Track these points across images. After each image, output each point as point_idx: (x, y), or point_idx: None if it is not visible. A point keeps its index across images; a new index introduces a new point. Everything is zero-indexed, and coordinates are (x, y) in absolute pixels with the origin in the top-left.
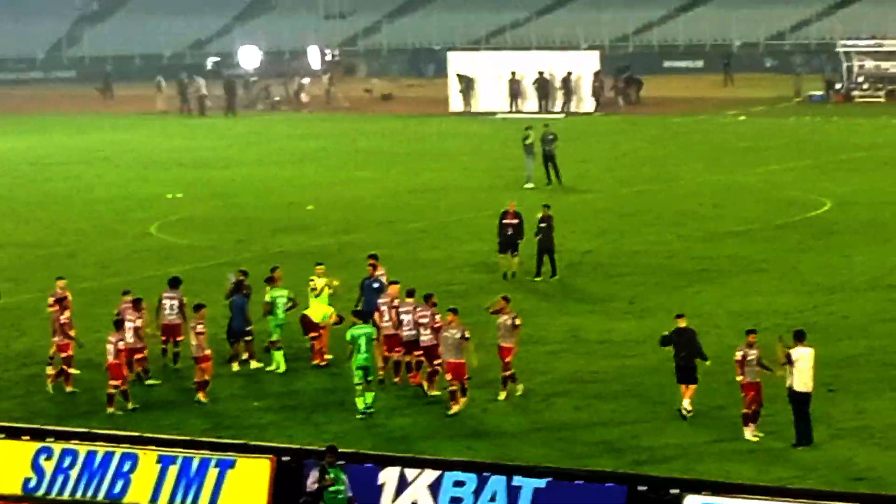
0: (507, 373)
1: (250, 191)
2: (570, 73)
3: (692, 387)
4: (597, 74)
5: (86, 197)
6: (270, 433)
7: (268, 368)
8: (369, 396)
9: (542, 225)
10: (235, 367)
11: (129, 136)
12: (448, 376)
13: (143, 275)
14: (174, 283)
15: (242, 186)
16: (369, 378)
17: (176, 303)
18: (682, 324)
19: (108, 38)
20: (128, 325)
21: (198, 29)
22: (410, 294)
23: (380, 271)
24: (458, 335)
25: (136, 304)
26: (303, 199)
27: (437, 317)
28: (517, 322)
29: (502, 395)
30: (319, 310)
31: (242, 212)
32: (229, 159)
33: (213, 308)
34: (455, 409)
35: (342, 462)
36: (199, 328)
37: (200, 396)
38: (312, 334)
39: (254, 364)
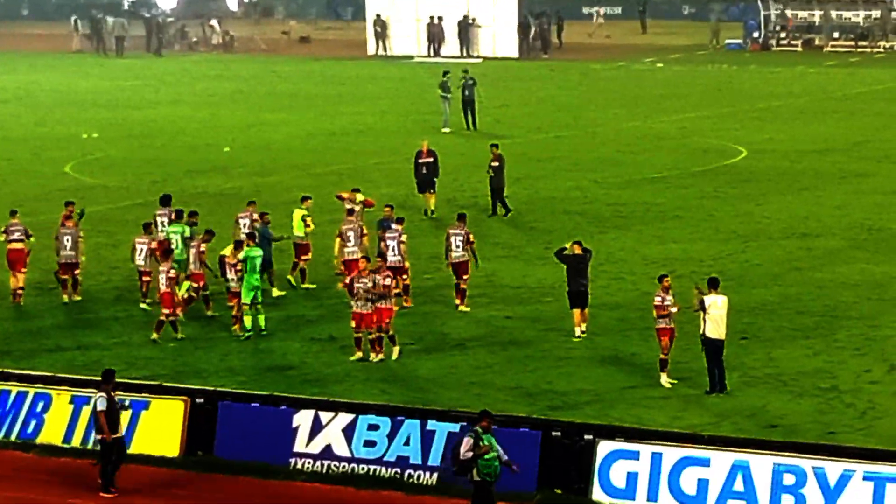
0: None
1: (166, 132)
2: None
3: (586, 310)
4: (521, 17)
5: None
6: (185, 374)
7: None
8: (261, 318)
9: (495, 164)
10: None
11: (45, 75)
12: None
13: (58, 214)
14: (165, 200)
15: (158, 127)
16: (258, 301)
17: (165, 219)
18: (579, 250)
19: None
20: (138, 248)
21: None
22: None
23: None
24: (383, 280)
25: (146, 229)
26: (219, 141)
27: (471, 235)
28: (389, 281)
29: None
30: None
31: (158, 153)
32: (145, 100)
33: (125, 248)
34: (395, 351)
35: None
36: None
37: (237, 329)
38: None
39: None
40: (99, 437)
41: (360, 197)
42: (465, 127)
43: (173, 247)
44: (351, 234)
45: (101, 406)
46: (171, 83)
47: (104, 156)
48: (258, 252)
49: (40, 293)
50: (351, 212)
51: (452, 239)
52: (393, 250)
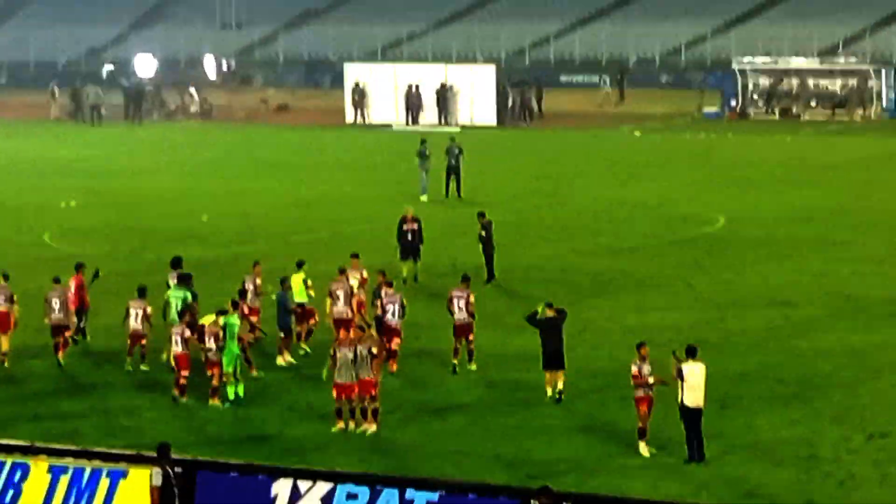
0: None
1: (145, 200)
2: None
3: (562, 372)
4: (500, 87)
5: None
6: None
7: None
8: (240, 388)
9: (483, 234)
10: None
11: (23, 143)
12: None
13: (36, 283)
14: (175, 263)
15: (137, 196)
16: (238, 369)
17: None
18: (551, 313)
19: (2, 44)
20: (133, 312)
21: (93, 36)
22: (465, 280)
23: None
24: (366, 351)
25: (142, 293)
26: (197, 210)
27: (472, 297)
28: (374, 351)
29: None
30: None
31: (136, 221)
32: (124, 168)
33: (111, 317)
34: (370, 428)
35: None
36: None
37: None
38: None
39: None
40: None
41: (358, 266)
42: (444, 195)
43: (173, 310)
44: (340, 293)
45: (157, 482)
46: (149, 151)
47: (82, 224)
48: (237, 320)
49: (19, 359)
50: (342, 271)
51: (456, 301)
52: (393, 314)
